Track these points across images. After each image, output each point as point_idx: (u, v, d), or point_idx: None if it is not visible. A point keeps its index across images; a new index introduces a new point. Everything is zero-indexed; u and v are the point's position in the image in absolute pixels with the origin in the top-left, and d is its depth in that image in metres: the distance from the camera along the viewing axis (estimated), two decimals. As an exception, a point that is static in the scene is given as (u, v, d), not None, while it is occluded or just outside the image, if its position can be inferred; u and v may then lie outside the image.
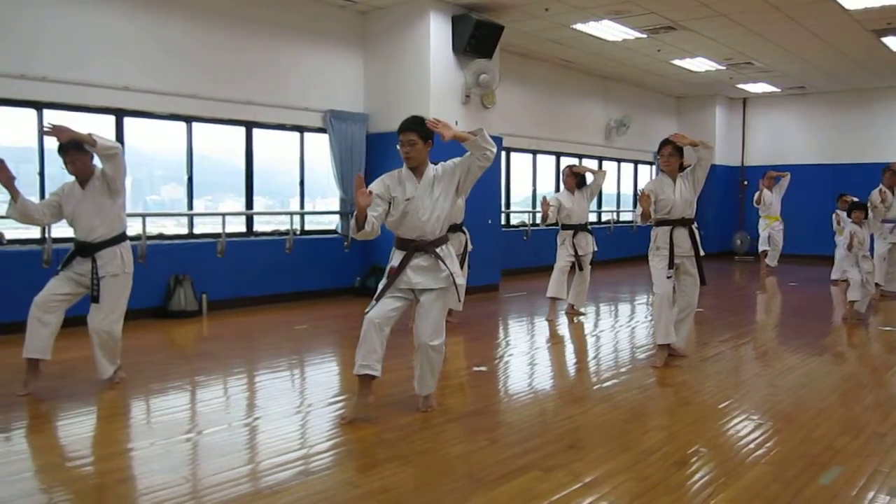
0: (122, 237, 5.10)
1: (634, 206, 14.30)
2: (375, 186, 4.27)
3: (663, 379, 5.56)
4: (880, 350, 7.02)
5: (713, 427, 4.41)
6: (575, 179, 8.16)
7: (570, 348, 7.03)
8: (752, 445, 4.03)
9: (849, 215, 8.56)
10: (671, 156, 5.82)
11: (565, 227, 8.16)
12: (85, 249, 4.97)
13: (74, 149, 4.83)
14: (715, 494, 3.33)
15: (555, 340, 7.26)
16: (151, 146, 8.59)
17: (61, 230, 6.58)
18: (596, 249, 8.35)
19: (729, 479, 3.50)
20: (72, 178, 5.00)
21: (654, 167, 16.30)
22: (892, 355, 6.68)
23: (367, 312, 4.31)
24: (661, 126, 16.02)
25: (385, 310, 4.31)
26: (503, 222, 12.10)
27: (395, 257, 4.36)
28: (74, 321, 5.27)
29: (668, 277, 5.83)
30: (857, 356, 6.78)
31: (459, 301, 5.09)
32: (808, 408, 4.78)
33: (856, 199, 8.85)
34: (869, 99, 15.63)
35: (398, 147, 4.33)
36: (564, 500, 3.26)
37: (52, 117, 7.04)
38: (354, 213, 4.12)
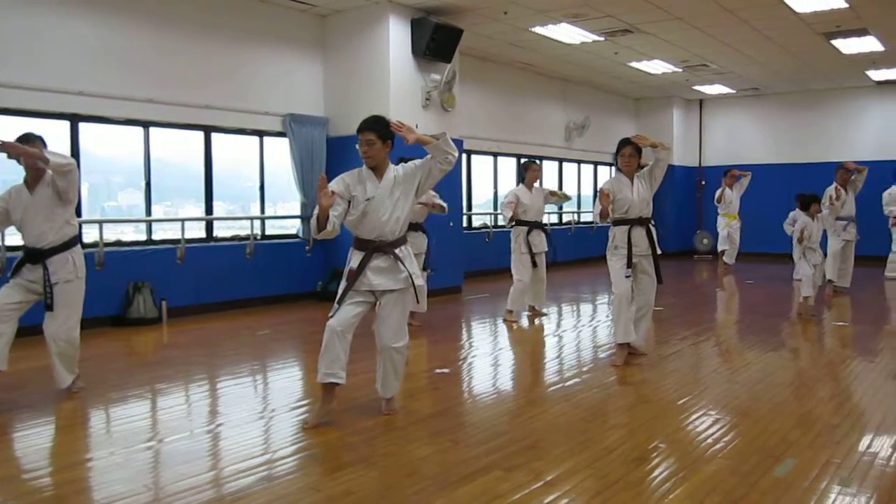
0: (73, 242, 4.99)
1: (594, 206, 14.45)
2: (335, 185, 4.26)
3: (623, 377, 5.64)
4: (834, 345, 7.20)
5: (672, 423, 4.49)
6: (536, 176, 8.17)
7: (531, 349, 7.09)
8: (709, 440, 4.11)
9: (804, 208, 8.44)
10: (631, 156, 5.91)
11: (520, 222, 8.04)
12: (35, 256, 4.86)
13: (27, 141, 4.67)
14: (674, 489, 3.39)
15: (517, 342, 7.31)
16: (107, 151, 8.45)
17: (14, 238, 6.44)
18: (546, 250, 8.21)
19: (687, 474, 3.57)
20: (19, 182, 4.88)
21: (613, 168, 16.47)
22: (844, 349, 6.86)
23: (330, 318, 4.31)
24: (619, 127, 16.22)
25: (346, 317, 4.30)
26: (465, 224, 12.14)
27: (354, 258, 4.36)
28: (30, 331, 5.17)
29: (627, 277, 5.90)
30: (811, 351, 6.93)
31: (419, 302, 5.08)
32: (764, 402, 4.89)
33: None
34: (820, 99, 16.00)
35: (357, 146, 4.34)
36: (526, 499, 3.29)
37: (4, 122, 6.92)
38: (315, 213, 4.12)
